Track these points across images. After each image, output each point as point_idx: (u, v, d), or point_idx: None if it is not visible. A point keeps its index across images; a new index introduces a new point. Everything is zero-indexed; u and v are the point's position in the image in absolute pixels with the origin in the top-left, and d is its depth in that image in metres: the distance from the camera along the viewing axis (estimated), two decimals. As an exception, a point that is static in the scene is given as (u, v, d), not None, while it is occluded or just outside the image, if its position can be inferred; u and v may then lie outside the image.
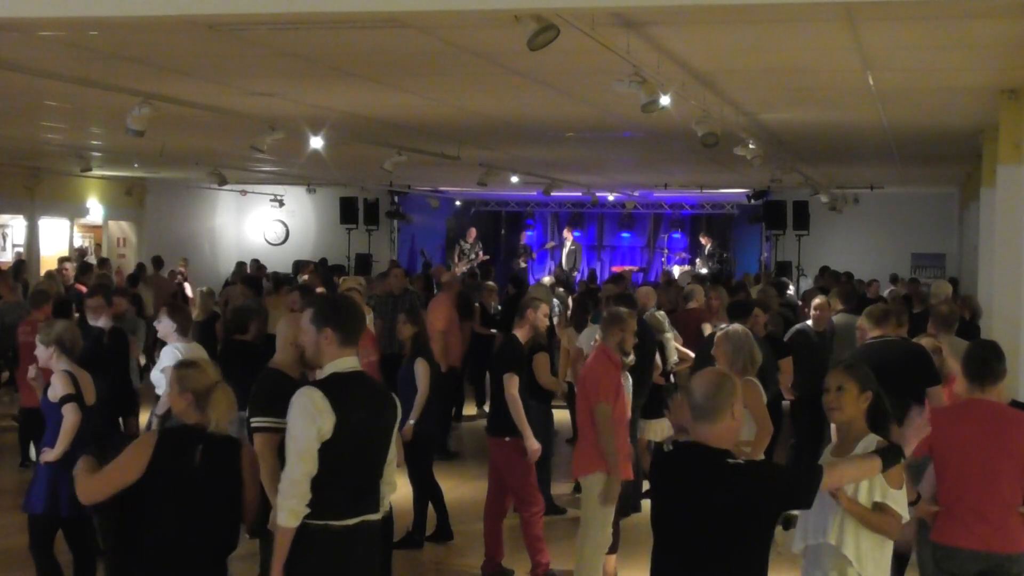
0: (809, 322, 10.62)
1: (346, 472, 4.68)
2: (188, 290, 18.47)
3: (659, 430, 9.64)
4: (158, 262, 19.76)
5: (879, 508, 4.65)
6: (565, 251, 26.34)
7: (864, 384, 4.82)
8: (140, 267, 18.87)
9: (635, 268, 25.81)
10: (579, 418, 7.38)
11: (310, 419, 4.56)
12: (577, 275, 24.41)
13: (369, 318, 11.35)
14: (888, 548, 4.77)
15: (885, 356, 7.11)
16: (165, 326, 7.98)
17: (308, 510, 4.57)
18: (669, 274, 21.13)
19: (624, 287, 12.78)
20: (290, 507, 4.55)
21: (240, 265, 20.96)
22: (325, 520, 4.63)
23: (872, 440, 4.75)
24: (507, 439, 7.74)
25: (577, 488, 9.85)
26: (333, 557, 4.66)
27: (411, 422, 8.17)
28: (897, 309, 8.18)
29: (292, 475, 4.57)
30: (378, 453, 4.87)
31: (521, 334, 7.98)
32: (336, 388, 4.65)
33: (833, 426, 4.97)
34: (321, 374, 4.78)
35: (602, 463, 7.02)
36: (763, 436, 6.78)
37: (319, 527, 4.62)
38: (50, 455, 6.56)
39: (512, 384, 7.69)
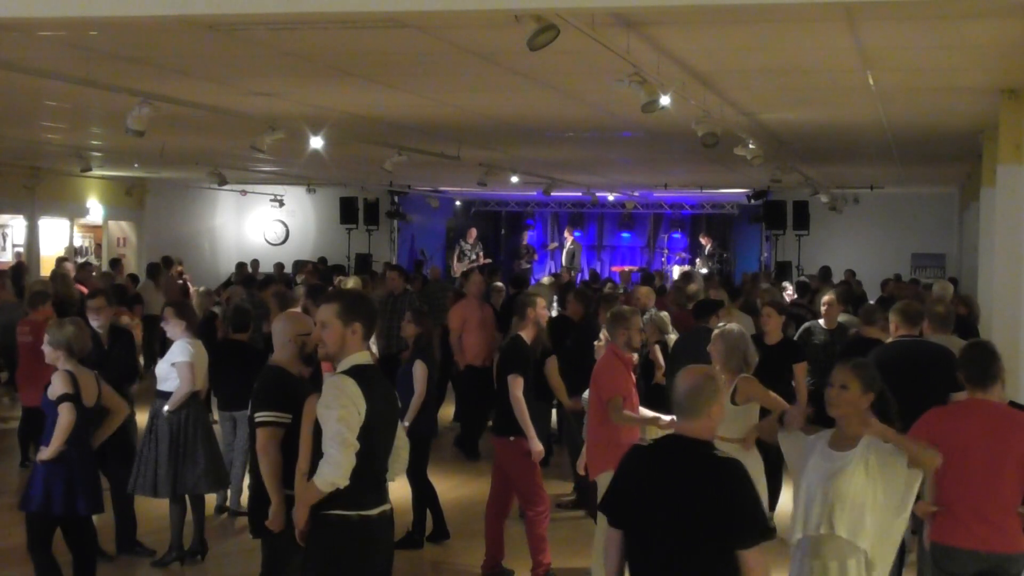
0: (821, 321, 10.62)
1: (372, 461, 4.78)
2: (191, 289, 18.43)
3: (659, 429, 9.63)
4: (167, 262, 19.69)
5: (911, 475, 4.84)
6: (565, 250, 26.34)
7: (868, 385, 4.87)
8: (154, 267, 18.68)
9: (635, 268, 25.81)
10: (590, 417, 7.41)
11: (349, 400, 4.66)
12: (578, 275, 24.40)
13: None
14: (896, 538, 4.87)
15: (914, 355, 7.14)
16: (175, 325, 8.05)
17: (348, 482, 4.63)
18: (664, 275, 21.11)
19: (655, 285, 12.80)
20: (336, 475, 4.61)
21: (241, 266, 20.94)
22: (357, 510, 4.72)
23: (871, 440, 4.80)
24: (512, 439, 7.72)
25: (577, 489, 9.88)
26: (366, 546, 4.76)
27: (405, 424, 8.10)
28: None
29: (340, 445, 4.60)
30: (391, 444, 4.99)
31: (526, 334, 7.93)
32: (364, 378, 4.75)
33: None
34: (341, 367, 4.82)
35: (612, 463, 6.98)
36: (782, 406, 6.92)
37: (355, 516, 4.72)
38: (44, 454, 6.59)
39: (517, 385, 7.66)
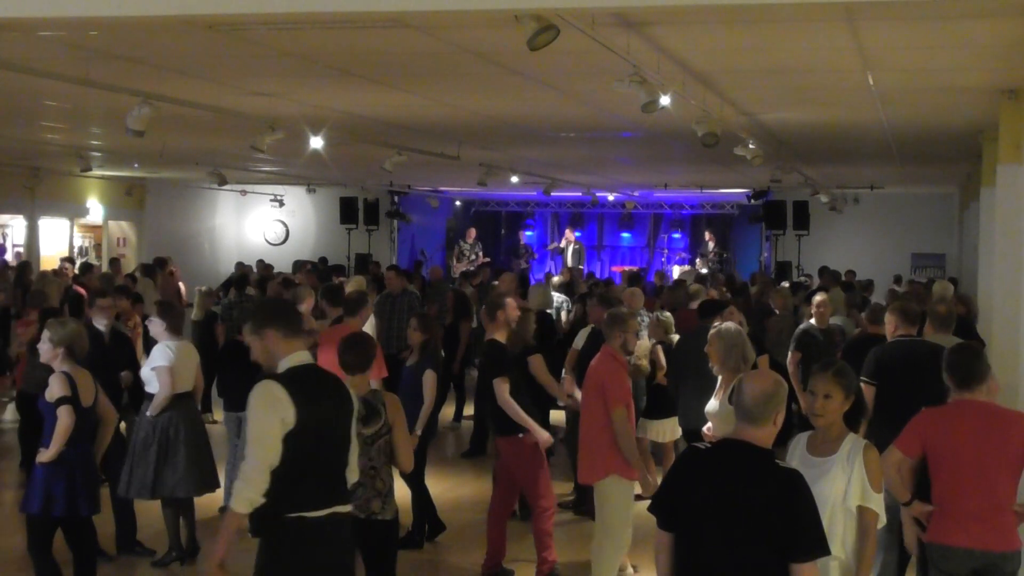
0: (812, 320, 10.61)
1: (313, 463, 4.75)
2: (182, 289, 18.41)
3: (661, 431, 9.62)
4: (161, 263, 19.63)
5: (860, 511, 4.75)
6: (571, 250, 26.36)
7: (849, 390, 4.87)
8: (150, 267, 18.68)
9: (635, 269, 25.81)
10: (586, 421, 7.21)
11: (270, 408, 4.64)
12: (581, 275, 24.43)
13: (371, 321, 11.34)
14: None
15: (912, 355, 7.18)
16: (156, 325, 8.03)
17: (263, 500, 4.63)
18: (664, 275, 21.11)
19: (642, 286, 12.76)
20: (247, 496, 4.63)
21: (240, 266, 20.94)
22: (299, 512, 4.70)
23: (860, 443, 4.81)
24: (520, 436, 7.70)
25: (577, 489, 9.88)
26: (307, 548, 4.73)
27: (417, 432, 8.01)
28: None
29: (251, 463, 4.65)
30: (341, 444, 4.94)
31: (500, 336, 7.90)
32: (293, 380, 4.73)
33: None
34: (277, 372, 4.85)
35: (615, 466, 6.96)
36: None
37: (294, 519, 4.70)
38: (44, 456, 6.58)
39: (503, 389, 7.61)
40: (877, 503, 4.76)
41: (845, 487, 4.71)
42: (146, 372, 8.04)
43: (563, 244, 27.06)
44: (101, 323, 8.59)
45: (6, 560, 8.06)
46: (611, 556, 7.09)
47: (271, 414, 4.62)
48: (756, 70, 8.87)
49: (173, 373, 7.86)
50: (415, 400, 8.21)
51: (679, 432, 9.33)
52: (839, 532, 4.70)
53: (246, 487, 4.63)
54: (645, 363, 9.30)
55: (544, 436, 7.66)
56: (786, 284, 16.74)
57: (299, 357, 4.84)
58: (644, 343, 9.66)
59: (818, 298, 10.86)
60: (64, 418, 6.54)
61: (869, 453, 4.77)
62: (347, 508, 4.93)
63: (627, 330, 7.28)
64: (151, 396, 7.93)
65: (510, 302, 8.09)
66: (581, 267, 25.49)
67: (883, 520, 4.82)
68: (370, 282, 15.10)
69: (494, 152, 15.98)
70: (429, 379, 8.31)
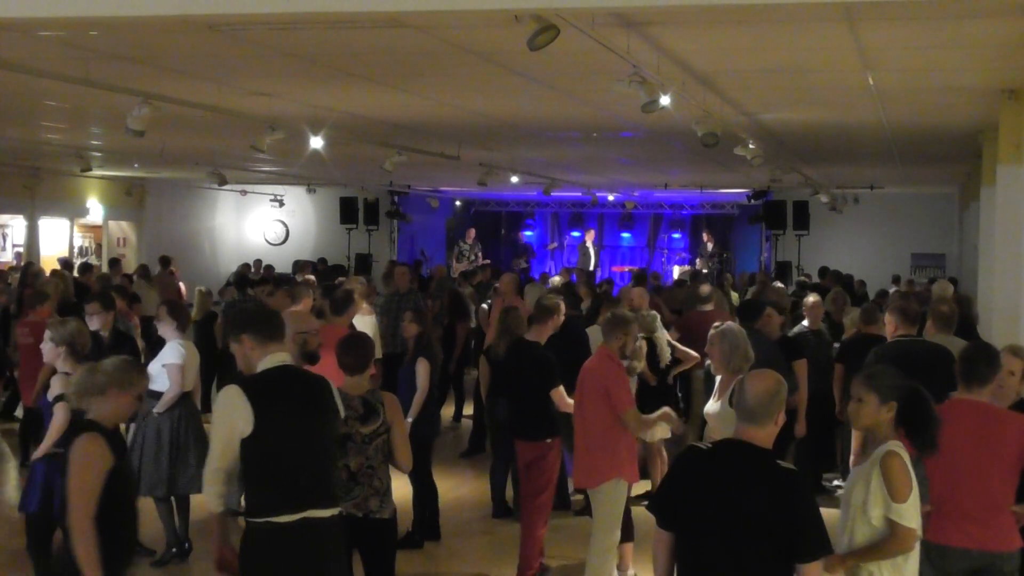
0: (805, 322, 10.58)
1: (279, 467, 4.73)
2: (182, 289, 18.43)
3: (652, 430, 9.60)
4: (165, 262, 19.65)
5: (887, 524, 4.61)
6: (594, 250, 26.46)
7: (885, 396, 4.74)
8: (144, 267, 18.78)
9: (635, 269, 25.82)
10: (588, 425, 7.05)
11: (227, 414, 4.74)
12: (598, 275, 24.48)
13: (372, 320, 11.35)
14: (913, 554, 4.70)
15: (913, 355, 7.15)
16: (167, 325, 8.05)
17: (222, 504, 4.81)
18: (659, 276, 21.12)
19: (644, 286, 12.73)
20: (212, 493, 4.80)
21: (245, 266, 20.96)
22: (266, 517, 4.70)
23: (883, 449, 4.68)
24: (548, 441, 7.69)
25: (578, 490, 9.87)
26: (276, 553, 4.71)
27: (409, 420, 8.05)
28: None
29: (209, 464, 4.82)
30: (317, 446, 4.89)
31: (543, 340, 7.91)
32: (258, 385, 4.78)
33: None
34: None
35: (614, 471, 6.92)
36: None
37: (262, 524, 4.70)
38: (37, 452, 6.60)
39: (563, 396, 7.63)
40: (901, 515, 4.56)
41: (864, 494, 4.63)
42: (155, 368, 8.05)
43: (552, 245, 27.17)
44: (94, 326, 8.58)
45: (6, 560, 8.06)
46: (602, 556, 7.07)
47: (227, 420, 4.72)
48: (756, 70, 8.88)
49: (185, 372, 7.92)
50: (413, 393, 8.27)
51: (668, 432, 9.31)
52: (858, 540, 4.64)
53: (211, 486, 4.82)
54: (636, 364, 9.26)
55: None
56: (779, 284, 16.68)
57: (276, 359, 4.88)
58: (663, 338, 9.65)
59: (810, 299, 10.74)
60: (59, 416, 6.53)
61: (887, 460, 4.61)
62: (328, 512, 4.83)
63: (628, 333, 7.15)
64: (151, 393, 7.93)
65: (562, 306, 8.06)
66: (596, 270, 25.62)
67: (920, 533, 4.66)
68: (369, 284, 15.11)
69: (494, 152, 15.98)
70: (422, 367, 8.36)
